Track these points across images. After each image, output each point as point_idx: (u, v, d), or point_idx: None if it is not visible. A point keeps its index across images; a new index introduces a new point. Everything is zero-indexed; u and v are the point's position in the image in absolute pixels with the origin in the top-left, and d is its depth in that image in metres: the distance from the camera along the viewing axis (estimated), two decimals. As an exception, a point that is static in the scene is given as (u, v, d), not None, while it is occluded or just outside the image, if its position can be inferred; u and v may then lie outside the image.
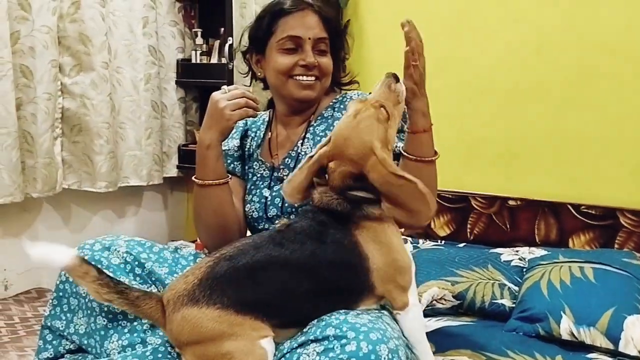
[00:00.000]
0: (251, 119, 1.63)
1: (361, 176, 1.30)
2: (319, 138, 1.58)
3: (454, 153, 2.41)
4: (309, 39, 1.55)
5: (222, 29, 2.81)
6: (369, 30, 2.78)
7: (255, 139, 1.69)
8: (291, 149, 1.62)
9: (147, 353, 1.33)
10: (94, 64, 2.49)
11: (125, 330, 1.38)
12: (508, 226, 2.34)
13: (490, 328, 1.81)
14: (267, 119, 1.71)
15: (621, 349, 1.63)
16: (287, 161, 1.60)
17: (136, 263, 1.45)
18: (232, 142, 1.68)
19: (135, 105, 2.71)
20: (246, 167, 1.67)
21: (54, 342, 1.49)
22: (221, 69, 2.77)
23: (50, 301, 1.48)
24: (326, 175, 1.35)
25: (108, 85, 2.54)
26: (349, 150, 1.31)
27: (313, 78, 1.56)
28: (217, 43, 2.93)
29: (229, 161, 1.66)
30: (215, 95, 1.47)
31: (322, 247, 1.28)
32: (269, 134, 1.67)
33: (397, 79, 1.38)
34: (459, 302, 1.93)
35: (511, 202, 2.33)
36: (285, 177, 1.49)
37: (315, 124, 1.62)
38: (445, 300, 1.94)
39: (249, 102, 1.45)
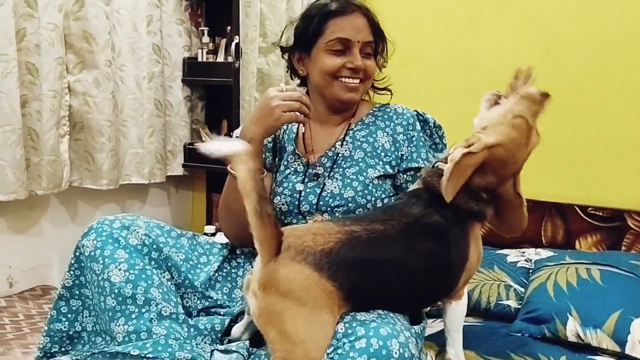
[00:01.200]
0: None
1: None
2: (358, 142, 1.61)
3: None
4: (358, 42, 1.57)
5: (229, 28, 2.81)
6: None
7: (288, 132, 1.70)
8: (329, 149, 1.63)
9: (147, 345, 1.33)
10: (97, 62, 2.49)
11: (133, 316, 1.37)
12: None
13: (496, 329, 1.80)
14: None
15: (628, 351, 1.61)
16: (324, 160, 1.62)
17: (154, 247, 1.46)
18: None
19: (138, 104, 2.71)
20: (276, 160, 1.68)
21: (69, 315, 1.48)
22: (227, 68, 2.77)
23: (68, 272, 1.47)
24: None
25: (111, 84, 2.54)
26: (509, 161, 1.38)
27: (358, 81, 1.58)
28: (223, 42, 2.93)
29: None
30: (271, 91, 1.47)
31: (443, 247, 1.33)
32: (303, 128, 1.68)
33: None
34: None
35: (517, 203, 2.32)
36: (321, 175, 1.56)
37: (355, 128, 1.64)
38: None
39: (302, 107, 1.46)
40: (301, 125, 1.68)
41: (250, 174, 1.20)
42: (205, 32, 2.95)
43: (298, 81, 1.72)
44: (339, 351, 1.17)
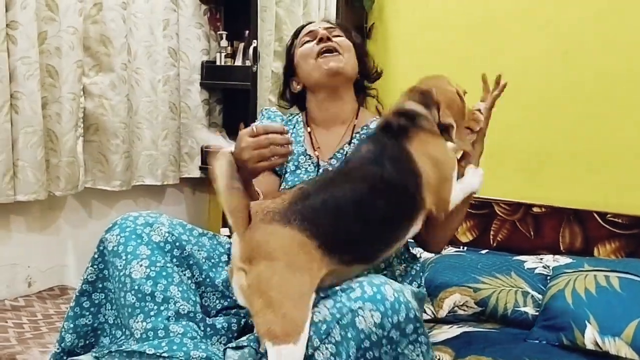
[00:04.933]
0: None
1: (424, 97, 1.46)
2: None
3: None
4: (321, 28, 1.74)
5: (247, 32, 2.82)
6: (394, 33, 2.77)
7: (294, 135, 1.76)
8: (337, 150, 1.72)
9: (163, 344, 1.34)
10: (114, 65, 2.51)
11: (151, 314, 1.38)
12: (532, 233, 2.30)
13: (513, 336, 1.79)
14: (300, 119, 1.80)
15: (647, 360, 1.59)
16: (333, 162, 1.69)
17: (176, 244, 1.47)
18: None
19: (153, 106, 2.73)
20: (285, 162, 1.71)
21: (92, 309, 1.49)
22: (245, 71, 2.77)
23: (91, 267, 1.48)
24: None
25: (126, 86, 2.56)
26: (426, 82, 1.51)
27: (332, 47, 1.69)
28: (241, 45, 2.94)
29: None
30: (241, 138, 1.39)
31: (381, 170, 1.36)
32: (308, 129, 1.76)
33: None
34: (481, 309, 1.91)
35: (535, 209, 2.30)
36: None
37: (362, 132, 1.73)
38: (467, 307, 1.92)
39: (275, 149, 1.37)
40: (307, 127, 1.76)
41: (225, 165, 1.29)
42: (224, 36, 2.97)
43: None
44: (337, 305, 1.21)
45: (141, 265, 1.41)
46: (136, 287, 1.39)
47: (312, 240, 1.25)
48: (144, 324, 1.38)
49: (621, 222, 2.15)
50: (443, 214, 1.41)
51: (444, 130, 1.46)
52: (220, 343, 1.45)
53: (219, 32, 3.00)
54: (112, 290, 1.47)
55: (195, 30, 2.93)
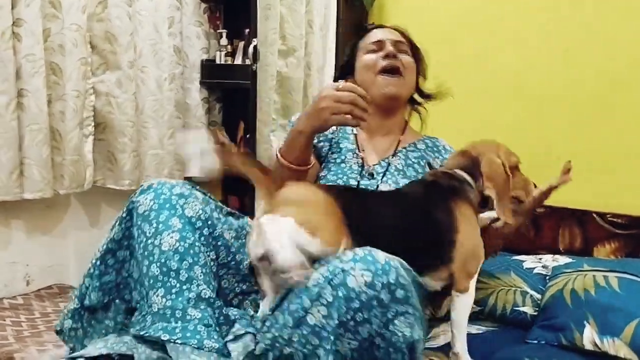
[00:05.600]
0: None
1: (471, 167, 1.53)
2: (410, 162, 1.80)
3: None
4: (390, 40, 1.77)
5: (247, 30, 2.82)
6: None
7: (342, 132, 1.83)
8: (382, 158, 1.79)
9: (177, 330, 1.34)
10: (120, 62, 2.51)
11: (173, 291, 1.37)
12: (531, 233, 2.30)
13: (511, 336, 1.79)
14: None
15: (646, 360, 1.59)
16: (377, 168, 1.76)
17: (208, 223, 1.46)
18: None
19: (159, 105, 2.72)
20: (330, 152, 1.79)
21: (116, 265, 1.49)
22: (245, 70, 2.77)
23: (119, 226, 1.48)
24: None
25: (133, 84, 2.56)
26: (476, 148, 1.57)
27: (395, 66, 1.73)
28: (241, 44, 2.94)
29: (320, 138, 1.79)
30: (325, 89, 1.47)
31: (430, 209, 1.44)
32: (356, 130, 1.83)
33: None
34: (480, 308, 1.91)
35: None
36: (375, 176, 1.73)
37: (408, 148, 1.82)
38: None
39: (354, 110, 1.43)
40: (354, 129, 1.82)
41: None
42: (224, 35, 2.96)
43: None
44: (330, 268, 1.23)
45: (171, 238, 1.39)
46: (162, 260, 1.38)
47: (344, 217, 1.31)
48: (164, 299, 1.37)
49: (620, 222, 2.16)
50: (462, 289, 1.45)
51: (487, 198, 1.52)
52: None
53: (218, 31, 3.00)
54: (137, 250, 1.45)
55: (194, 28, 2.93)
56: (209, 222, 1.47)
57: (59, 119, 2.34)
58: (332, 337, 1.20)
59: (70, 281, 2.52)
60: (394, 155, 1.79)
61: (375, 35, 1.80)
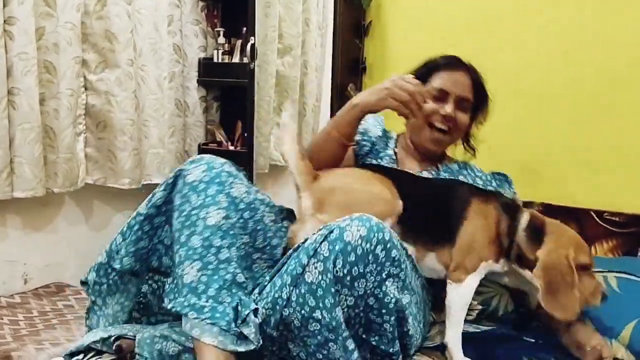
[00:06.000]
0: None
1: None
2: (442, 176, 1.86)
3: (478, 158, 2.39)
4: (455, 94, 1.77)
5: (245, 29, 2.81)
6: (391, 31, 2.77)
7: (383, 146, 1.89)
8: (416, 172, 1.84)
9: (205, 309, 1.32)
10: (120, 61, 2.50)
11: (210, 267, 1.36)
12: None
13: (509, 334, 1.78)
14: (394, 138, 1.94)
15: (644, 362, 1.59)
16: None
17: (251, 206, 1.46)
18: (377, 130, 1.90)
19: (159, 104, 2.71)
20: (368, 154, 1.86)
21: (150, 232, 1.49)
22: (243, 69, 2.77)
23: (163, 192, 1.49)
24: None
25: (133, 83, 2.55)
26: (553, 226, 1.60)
27: (446, 129, 1.77)
28: (239, 42, 2.93)
29: (364, 137, 1.87)
30: (394, 76, 1.57)
31: (446, 194, 1.60)
32: (395, 149, 1.89)
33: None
34: (482, 307, 1.90)
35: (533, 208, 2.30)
36: None
37: (442, 170, 1.87)
38: (471, 311, 1.91)
39: (409, 104, 1.53)
40: (395, 148, 1.89)
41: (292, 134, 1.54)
42: (221, 33, 2.96)
43: None
44: (328, 227, 1.29)
45: (218, 214, 1.38)
46: (207, 234, 1.37)
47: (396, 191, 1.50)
48: (199, 274, 1.35)
49: (618, 220, 2.16)
50: (456, 279, 1.50)
51: (528, 261, 1.52)
52: None
53: (216, 29, 2.99)
54: (176, 217, 1.43)
55: (192, 26, 2.92)
56: (252, 206, 1.46)
57: (52, 117, 2.33)
58: (328, 297, 1.23)
59: (68, 280, 2.52)
60: (427, 170, 1.85)
61: (443, 81, 1.79)
